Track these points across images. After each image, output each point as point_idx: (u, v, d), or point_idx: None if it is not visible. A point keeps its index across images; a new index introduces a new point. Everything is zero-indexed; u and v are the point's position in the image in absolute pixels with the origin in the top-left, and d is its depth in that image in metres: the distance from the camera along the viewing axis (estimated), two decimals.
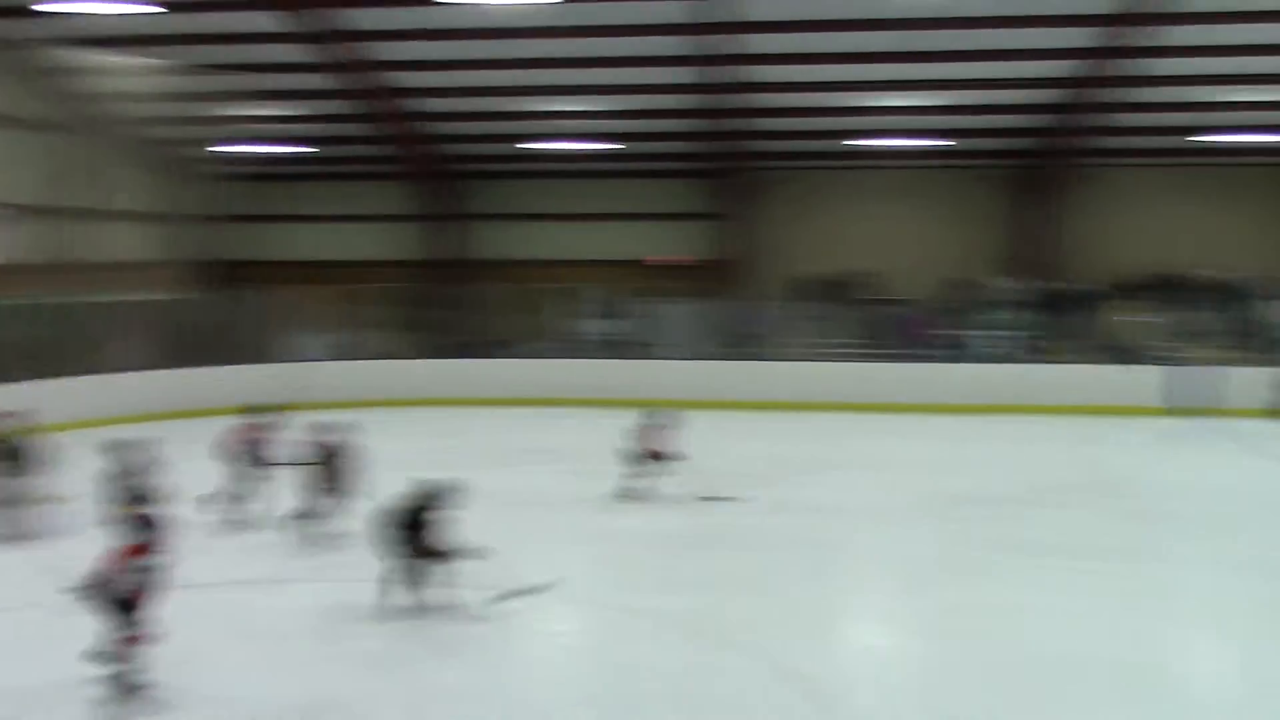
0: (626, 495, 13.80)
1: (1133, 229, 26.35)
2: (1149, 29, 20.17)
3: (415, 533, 8.93)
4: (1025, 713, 7.66)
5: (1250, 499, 14.66)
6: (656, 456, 13.78)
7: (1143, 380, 21.37)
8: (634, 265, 27.72)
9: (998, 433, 19.69)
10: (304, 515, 11.63)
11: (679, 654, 8.64)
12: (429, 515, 8.97)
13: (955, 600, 10.11)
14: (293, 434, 12.32)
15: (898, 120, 24.99)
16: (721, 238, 27.66)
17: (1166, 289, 23.38)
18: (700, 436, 19.07)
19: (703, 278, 26.83)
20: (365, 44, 22.45)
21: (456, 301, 24.28)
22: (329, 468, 11.62)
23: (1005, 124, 25.06)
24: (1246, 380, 21.15)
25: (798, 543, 12.14)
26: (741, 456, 17.22)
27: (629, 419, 14.20)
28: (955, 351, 22.96)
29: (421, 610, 9.03)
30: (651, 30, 21.34)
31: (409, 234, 29.01)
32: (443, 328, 23.81)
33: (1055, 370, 22.10)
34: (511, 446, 18.10)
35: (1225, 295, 23.25)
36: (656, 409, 14.20)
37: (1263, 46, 20.92)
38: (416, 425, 19.73)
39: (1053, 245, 26.47)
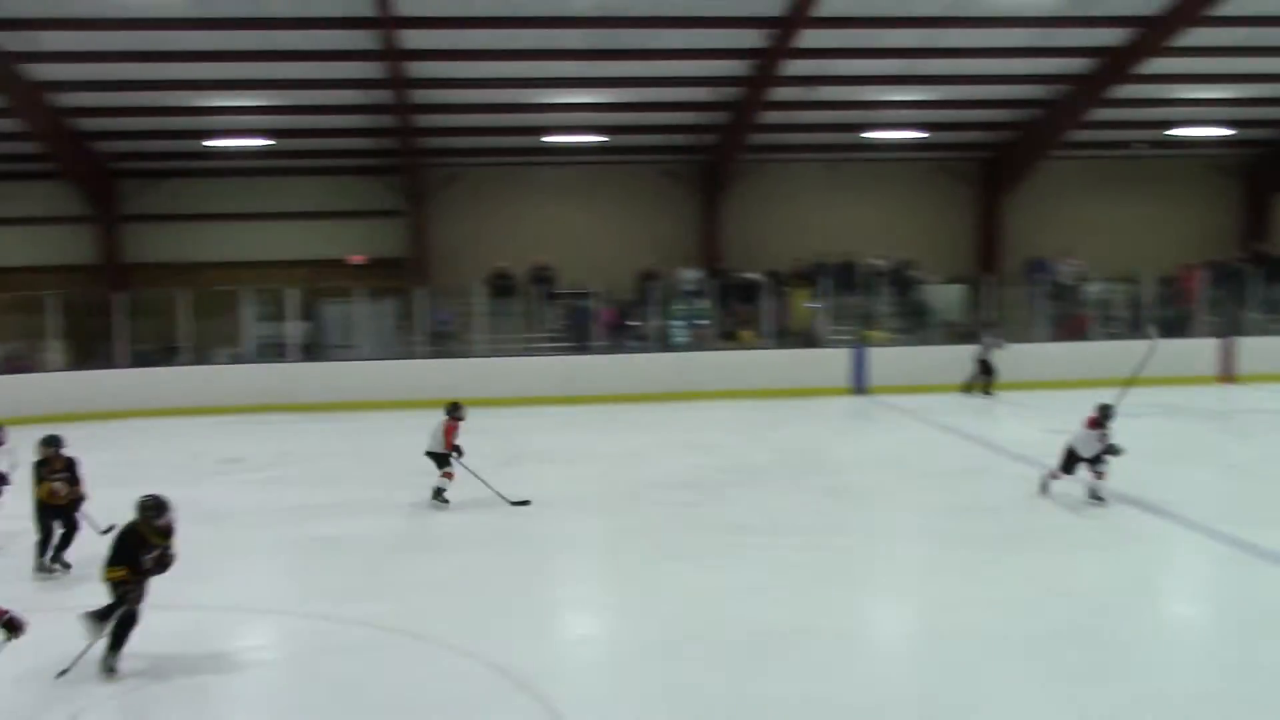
0: (441, 497, 13.31)
1: (807, 219, 27.74)
2: (819, 31, 21.31)
3: (140, 555, 8.13)
4: (731, 685, 7.84)
5: (927, 468, 15.71)
6: (459, 453, 13.37)
7: (839, 361, 22.88)
8: (323, 265, 26.83)
9: (694, 418, 20.30)
10: (41, 539, 10.61)
11: (389, 662, 8.32)
12: (155, 536, 8.17)
13: (662, 583, 10.27)
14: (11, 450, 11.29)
15: (583, 117, 25.32)
16: (410, 235, 27.21)
17: (841, 276, 24.80)
18: (398, 436, 18.79)
19: (392, 276, 26.30)
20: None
21: (134, 308, 22.78)
22: (64, 485, 10.64)
23: (685, 120, 25.83)
24: (918, 359, 22.99)
25: (504, 539, 12.03)
26: None
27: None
28: (648, 342, 23.62)
29: (137, 633, 8.30)
30: (323, 24, 20.68)
31: (78, 237, 26.93)
32: (120, 335, 22.33)
33: (744, 355, 23.12)
34: (204, 456, 17.18)
35: (894, 281, 24.99)
36: (461, 405, 13.68)
37: (920, 50, 22.56)
38: (100, 440, 18.34)
39: (734, 236, 27.60)
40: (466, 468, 13.37)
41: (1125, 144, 27.78)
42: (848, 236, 26.85)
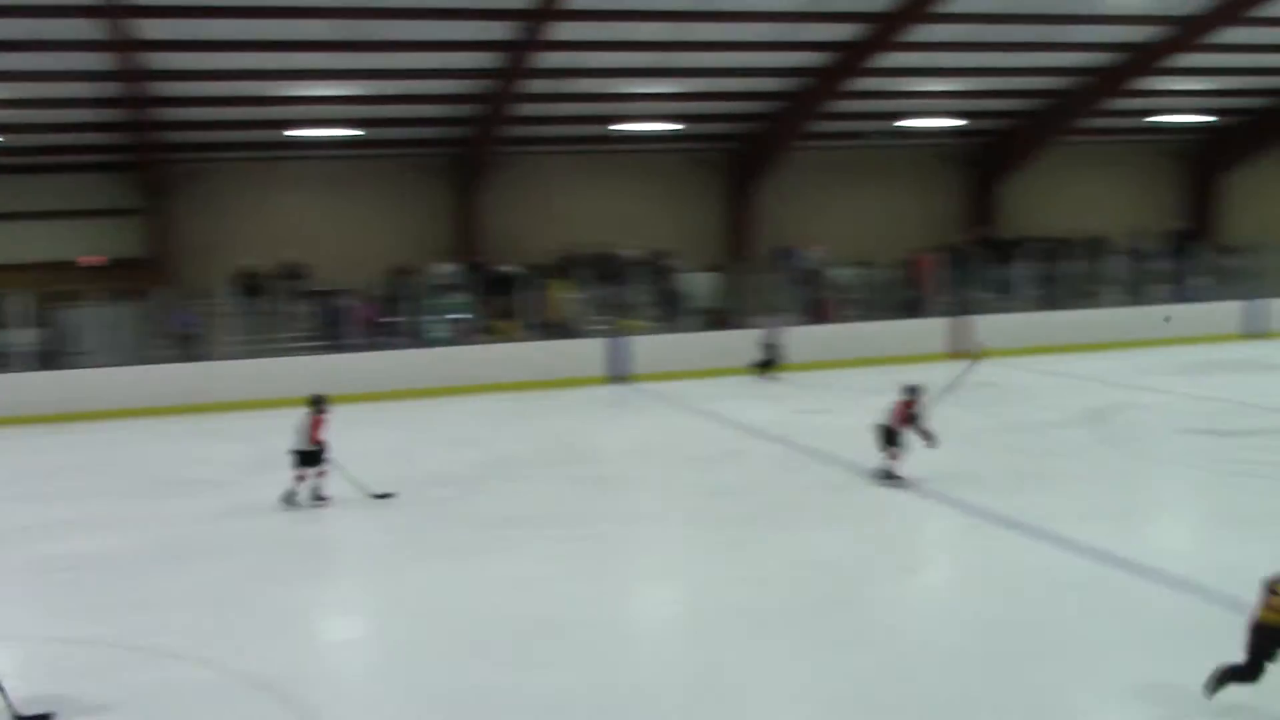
0: (309, 497, 12.94)
1: (564, 211, 27.87)
2: (570, 24, 21.45)
3: None
4: (498, 680, 7.87)
5: (686, 453, 16.08)
6: (324, 448, 13.03)
7: (596, 351, 23.09)
8: (56, 267, 25.24)
9: (457, 413, 20.16)
10: None
11: (138, 683, 7.96)
12: None
13: (427, 581, 10.22)
14: None
15: (332, 110, 24.72)
16: (151, 234, 25.97)
17: (598, 266, 25.08)
18: (141, 445, 18.03)
19: (132, 277, 25.02)
20: None
21: None
22: None
23: (437, 113, 25.56)
24: (675, 346, 23.54)
25: (258, 545, 11.71)
26: (194, 461, 16.50)
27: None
28: (406, 338, 23.31)
29: None
30: (48, 13, 19.47)
31: None
32: None
33: (503, 349, 23.10)
34: None
35: (649, 270, 25.43)
36: (325, 397, 13.29)
37: (669, 43, 22.98)
38: None
39: (491, 229, 27.49)
40: (332, 460, 13.11)
41: (862, 134, 29.10)
42: (604, 227, 27.19)
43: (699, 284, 25.96)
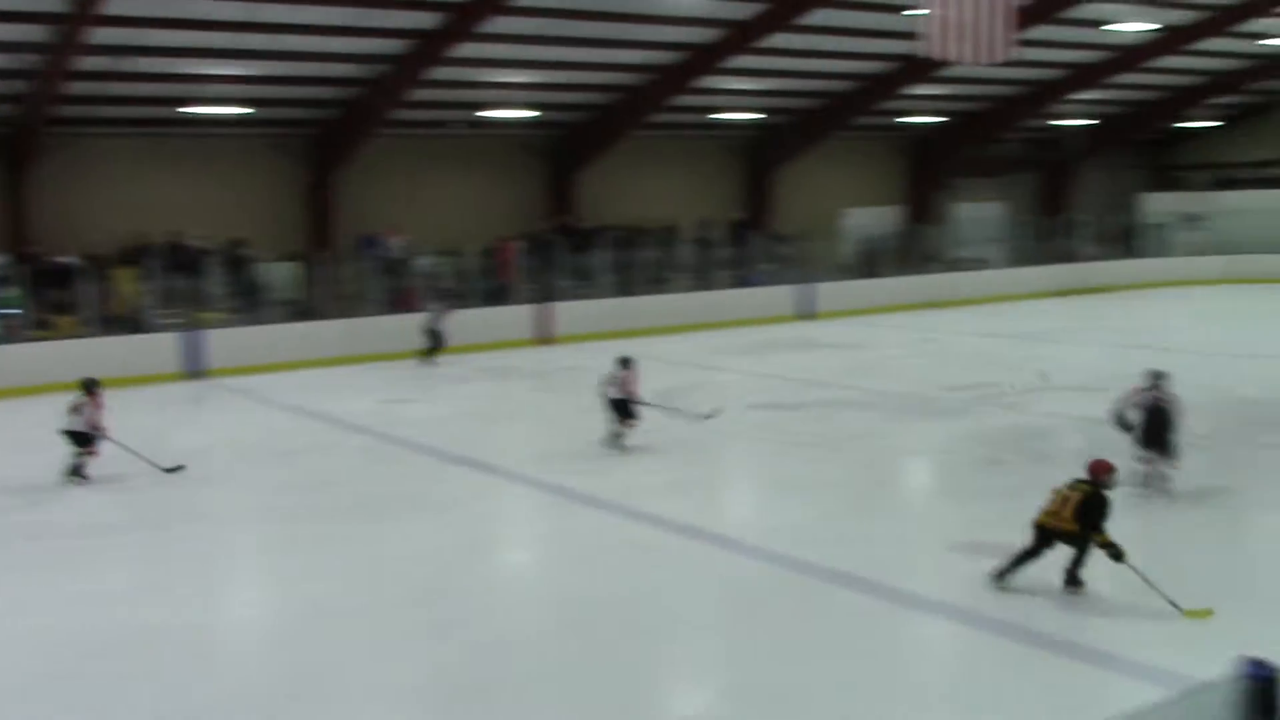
0: (80, 474, 13.25)
1: (129, 198, 26.01)
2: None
3: None
4: (79, 702, 7.44)
5: (270, 448, 15.68)
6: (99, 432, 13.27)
7: (168, 346, 21.86)
8: None
9: (14, 417, 18.37)
10: None
11: None
12: None
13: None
14: None
15: None
16: None
17: (169, 256, 23.74)
18: None
19: None
20: None
21: None
22: None
23: None
24: (255, 338, 22.75)
25: None
26: None
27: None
28: None
29: None
30: None
31: None
32: None
33: (62, 345, 21.37)
34: None
35: (225, 260, 24.37)
36: (97, 381, 13.66)
37: (240, 24, 22.08)
38: None
39: (43, 217, 25.27)
40: (115, 440, 13.46)
41: (444, 124, 29.24)
42: (174, 215, 25.72)
43: (279, 274, 25.22)
